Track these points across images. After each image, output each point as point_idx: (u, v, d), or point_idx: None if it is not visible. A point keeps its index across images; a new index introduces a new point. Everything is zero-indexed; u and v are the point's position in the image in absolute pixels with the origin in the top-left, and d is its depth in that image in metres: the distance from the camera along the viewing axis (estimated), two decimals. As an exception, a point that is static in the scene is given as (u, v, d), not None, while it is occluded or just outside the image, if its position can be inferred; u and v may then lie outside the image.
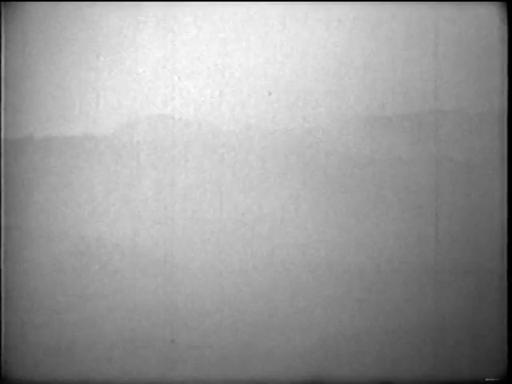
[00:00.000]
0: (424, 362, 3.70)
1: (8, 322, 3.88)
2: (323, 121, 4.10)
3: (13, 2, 3.91)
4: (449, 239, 3.98)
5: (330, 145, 4.07)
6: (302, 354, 3.68)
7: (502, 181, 3.94)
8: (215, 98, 3.99)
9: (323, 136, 4.10)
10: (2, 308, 3.83)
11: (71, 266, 3.90)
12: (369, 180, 4.05)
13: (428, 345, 3.76)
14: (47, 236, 3.99)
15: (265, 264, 3.94)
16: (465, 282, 3.84)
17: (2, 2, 3.87)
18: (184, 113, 3.97)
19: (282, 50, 4.13)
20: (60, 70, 3.99)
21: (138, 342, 3.85)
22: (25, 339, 3.86)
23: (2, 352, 3.81)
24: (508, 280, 3.66)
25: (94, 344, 3.84)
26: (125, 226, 3.95)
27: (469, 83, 4.11)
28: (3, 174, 3.82)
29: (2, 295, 3.81)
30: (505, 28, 4.24)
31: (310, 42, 4.19)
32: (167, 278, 3.96)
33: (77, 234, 3.97)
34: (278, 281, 3.88)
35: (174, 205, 4.00)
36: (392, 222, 4.01)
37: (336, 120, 4.10)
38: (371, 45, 4.11)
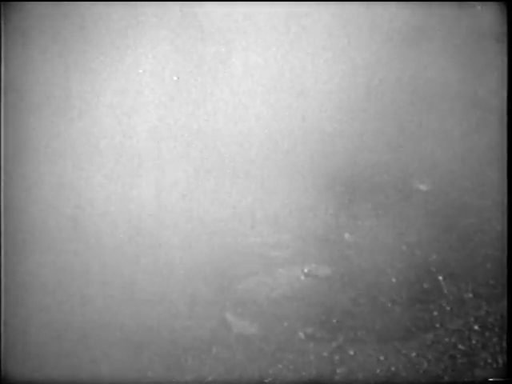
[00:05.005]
0: (423, 361, 3.73)
1: (8, 323, 3.90)
2: (323, 121, 4.14)
3: (13, 1, 3.94)
4: (450, 239, 4.02)
5: (330, 145, 4.11)
6: (302, 354, 3.71)
7: (502, 180, 3.97)
8: (215, 98, 4.02)
9: (323, 136, 4.14)
10: (2, 308, 3.85)
11: (71, 266, 3.93)
12: (369, 180, 4.07)
13: (426, 344, 3.80)
14: (47, 236, 4.02)
15: (265, 265, 3.96)
16: (465, 280, 3.88)
17: (2, 2, 3.90)
18: (184, 112, 4.00)
19: (282, 50, 4.18)
20: (60, 70, 4.01)
21: (138, 343, 3.87)
22: (25, 339, 3.88)
23: (2, 352, 3.83)
24: (508, 279, 3.69)
25: (94, 344, 3.86)
26: (125, 226, 3.97)
27: (468, 83, 4.15)
28: (3, 173, 3.85)
29: (2, 295, 3.83)
30: (505, 28, 4.28)
31: (310, 41, 4.24)
32: (167, 278, 4.00)
33: (77, 234, 4.00)
34: (279, 283, 3.90)
35: (174, 205, 4.03)
36: (393, 223, 4.04)
37: (336, 120, 4.14)
38: (371, 44, 4.15)
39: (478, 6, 4.03)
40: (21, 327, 3.88)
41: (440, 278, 3.71)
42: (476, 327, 3.57)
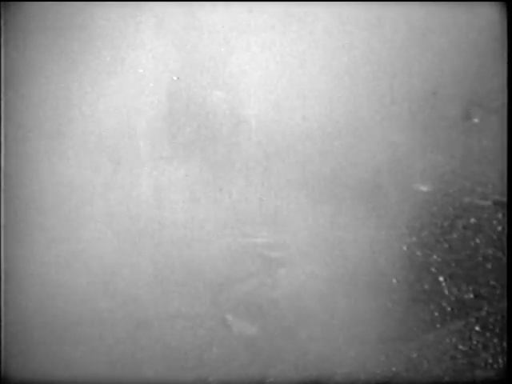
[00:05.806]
0: (424, 362, 3.71)
1: (8, 322, 3.89)
2: (323, 121, 4.10)
3: (13, 1, 3.92)
4: (450, 240, 4.01)
5: (330, 144, 4.08)
6: (303, 354, 3.70)
7: (502, 180, 3.96)
8: (215, 98, 3.99)
9: (323, 136, 4.12)
10: (2, 308, 3.83)
11: (71, 266, 3.91)
12: (368, 180, 4.05)
13: (428, 344, 3.78)
14: (47, 236, 3.99)
15: (265, 265, 3.95)
16: (465, 280, 3.87)
17: (2, 2, 3.87)
18: (183, 113, 3.97)
19: (282, 50, 4.15)
20: (60, 70, 3.98)
21: (138, 343, 3.86)
22: (25, 339, 3.87)
23: (2, 352, 3.83)
24: (508, 279, 3.69)
25: (94, 344, 3.85)
26: (124, 226, 3.95)
27: (468, 83, 4.12)
28: (3, 173, 3.82)
29: (2, 295, 3.82)
30: (505, 28, 4.26)
31: (309, 41, 4.21)
32: (167, 278, 3.98)
33: (76, 234, 3.98)
34: (279, 284, 3.89)
35: (174, 205, 4.01)
36: (393, 223, 4.02)
37: (336, 120, 4.11)
38: (371, 45, 4.12)
39: (478, 5, 4.02)
40: (21, 327, 3.87)
41: (441, 278, 3.71)
42: (477, 328, 3.57)
